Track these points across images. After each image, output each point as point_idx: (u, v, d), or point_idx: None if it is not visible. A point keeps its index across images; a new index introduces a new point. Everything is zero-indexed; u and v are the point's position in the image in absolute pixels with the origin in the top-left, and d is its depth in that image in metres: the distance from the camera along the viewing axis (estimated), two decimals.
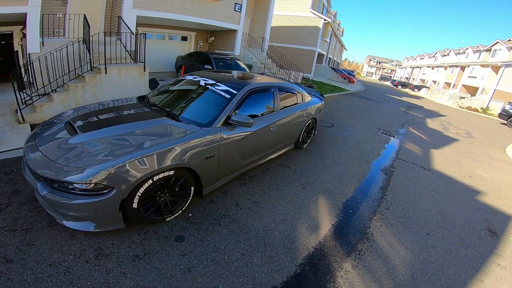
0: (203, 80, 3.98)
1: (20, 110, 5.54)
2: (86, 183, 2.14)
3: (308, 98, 5.28)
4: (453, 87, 34.11)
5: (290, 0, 20.60)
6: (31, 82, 6.69)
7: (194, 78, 4.16)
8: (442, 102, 26.91)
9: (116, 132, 2.75)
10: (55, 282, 2.05)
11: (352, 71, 42.88)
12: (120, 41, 8.80)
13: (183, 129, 2.93)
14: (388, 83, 55.37)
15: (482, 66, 27.55)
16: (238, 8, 11.53)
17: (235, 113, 3.36)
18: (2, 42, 10.46)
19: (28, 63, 6.50)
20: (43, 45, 7.34)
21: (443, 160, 6.59)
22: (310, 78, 20.86)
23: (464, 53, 35.64)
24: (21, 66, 6.90)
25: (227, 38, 12.53)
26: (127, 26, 8.21)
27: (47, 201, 2.28)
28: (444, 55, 42.01)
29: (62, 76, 6.53)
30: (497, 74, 24.40)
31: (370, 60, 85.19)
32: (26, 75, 7.07)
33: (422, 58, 52.58)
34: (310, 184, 4.21)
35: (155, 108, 3.56)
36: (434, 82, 41.98)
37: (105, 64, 6.79)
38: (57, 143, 2.61)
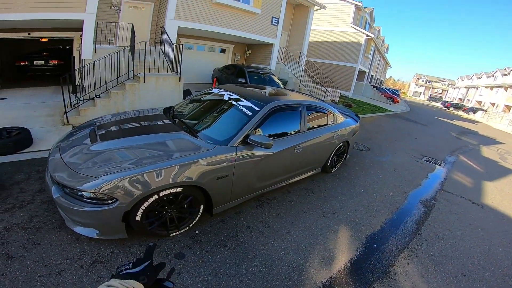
0: (228, 94, 3.88)
1: (66, 112, 5.99)
2: (91, 192, 2.17)
3: (340, 119, 4.89)
4: None
5: (330, 15, 20.23)
6: (83, 86, 7.28)
7: (220, 91, 4.08)
8: (501, 127, 23.93)
9: (130, 143, 2.77)
10: (44, 282, 2.08)
11: (397, 90, 40.49)
12: (162, 51, 9.27)
13: (198, 145, 2.82)
14: (438, 104, 51.27)
15: None
16: (275, 22, 11.57)
17: (255, 132, 3.17)
18: (66, 47, 11.76)
19: (81, 68, 7.03)
20: (95, 51, 7.90)
21: (497, 194, 5.68)
22: (349, 97, 20.06)
23: None
24: (75, 71, 7.48)
25: (264, 52, 12.60)
26: (168, 36, 8.61)
27: (58, 204, 2.36)
28: (505, 74, 37.62)
29: (111, 81, 6.97)
30: None
31: (418, 78, 79.98)
32: (80, 80, 7.68)
33: (480, 78, 47.93)
34: (333, 212, 3.82)
35: (177, 121, 3.54)
36: (492, 104, 37.80)
37: (144, 73, 7.14)
38: (77, 149, 2.70)
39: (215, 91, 4.18)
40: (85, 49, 7.55)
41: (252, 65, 13.43)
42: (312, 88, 12.17)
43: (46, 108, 6.74)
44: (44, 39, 10.83)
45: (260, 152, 3.15)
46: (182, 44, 7.84)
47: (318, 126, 4.33)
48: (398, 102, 26.20)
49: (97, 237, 2.39)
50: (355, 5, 19.24)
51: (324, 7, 13.40)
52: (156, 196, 2.39)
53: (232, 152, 2.87)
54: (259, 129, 3.23)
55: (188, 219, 2.81)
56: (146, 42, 9.16)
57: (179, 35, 11.72)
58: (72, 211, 2.26)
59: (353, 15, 19.36)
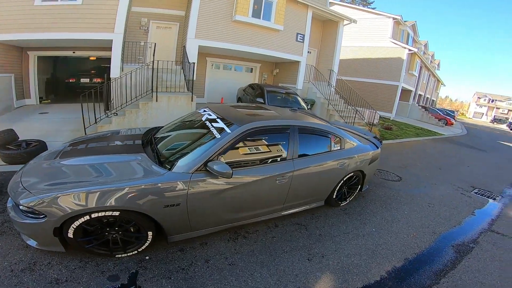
0: (208, 114, 3.48)
1: (85, 128, 6.20)
2: (25, 206, 2.24)
3: (351, 144, 4.04)
4: None
5: (366, 30, 19.14)
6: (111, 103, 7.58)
7: (203, 111, 3.72)
8: None
9: (82, 162, 2.76)
10: None
11: (453, 111, 36.43)
12: (183, 70, 9.40)
13: (148, 170, 2.62)
14: (504, 126, 44.67)
15: None
16: (300, 39, 11.10)
17: (219, 158, 2.71)
18: (105, 66, 12.76)
19: (107, 85, 7.29)
20: (122, 70, 8.22)
21: None
22: (391, 118, 18.30)
23: None
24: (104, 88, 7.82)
25: (291, 70, 12.13)
26: (186, 55, 8.67)
27: (9, 213, 2.46)
28: None
29: (136, 98, 7.16)
30: None
31: (479, 97, 71.39)
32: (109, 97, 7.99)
33: None
34: (322, 255, 3.05)
35: (146, 142, 3.33)
36: None
37: (156, 92, 7.14)
38: (37, 164, 2.81)
39: (200, 110, 3.82)
40: (113, 67, 7.91)
41: (276, 84, 13.07)
42: (343, 109, 11.14)
43: (75, 124, 7.13)
44: (92, 58, 11.91)
45: (223, 181, 2.67)
46: (194, 63, 7.76)
47: (317, 153, 3.60)
48: (452, 124, 23.24)
49: (37, 247, 2.47)
50: (393, 18, 17.97)
51: (355, 21, 12.59)
52: (87, 217, 2.31)
53: (184, 179, 2.53)
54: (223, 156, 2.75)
55: (136, 243, 2.63)
56: (168, 61, 9.40)
57: (206, 55, 11.96)
58: (15, 221, 2.37)
59: (392, 29, 18.03)
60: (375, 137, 4.97)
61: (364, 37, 19.28)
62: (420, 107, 22.98)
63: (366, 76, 19.50)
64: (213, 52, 11.47)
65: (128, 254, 2.63)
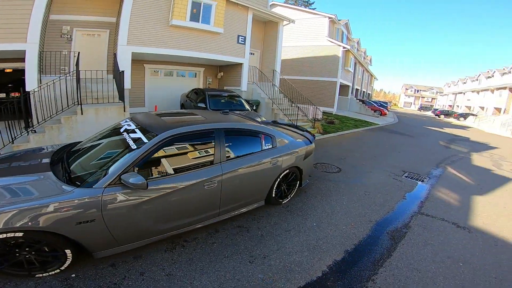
0: (127, 125, 3.24)
1: None
2: None
3: (283, 141, 4.09)
4: (504, 112, 29.88)
5: (305, 30, 20.16)
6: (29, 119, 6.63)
7: (125, 122, 3.46)
8: (494, 131, 23.29)
9: None
10: None
11: (386, 103, 40.49)
12: (115, 79, 8.69)
13: (52, 188, 2.42)
14: (429, 113, 51.20)
15: None
16: (241, 40, 11.13)
17: (134, 169, 2.53)
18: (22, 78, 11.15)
19: (20, 100, 6.32)
20: (40, 82, 7.32)
21: (490, 211, 4.80)
22: (333, 113, 19.50)
23: (510, 72, 31.42)
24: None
25: (235, 73, 12.09)
26: (117, 63, 8.03)
27: None
28: (489, 77, 37.67)
29: (57, 113, 6.43)
30: None
31: (407, 89, 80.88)
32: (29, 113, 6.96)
33: (465, 83, 48.22)
34: (264, 256, 3.02)
35: (60, 159, 3.01)
36: (482, 108, 37.58)
37: (80, 104, 6.43)
38: None
39: (122, 122, 3.54)
40: (28, 79, 7.04)
41: (221, 88, 12.94)
42: (287, 107, 11.48)
43: None
44: (8, 70, 10.29)
45: (142, 193, 2.53)
46: (123, 71, 7.19)
47: (247, 154, 3.56)
48: (386, 114, 25.75)
49: None
50: (329, 17, 19.23)
51: (293, 21, 13.09)
52: None
53: (95, 195, 2.37)
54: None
55: (56, 262, 2.43)
56: (98, 70, 8.62)
57: (144, 61, 11.28)
58: None
59: (328, 28, 19.26)
60: (308, 132, 5.10)
61: (305, 37, 20.25)
62: (358, 100, 25.01)
63: (309, 74, 20.49)
64: (151, 58, 10.85)
65: (50, 273, 2.45)
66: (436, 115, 41.83)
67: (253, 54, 13.58)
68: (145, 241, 2.81)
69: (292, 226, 3.66)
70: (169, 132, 2.83)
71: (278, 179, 3.99)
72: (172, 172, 2.84)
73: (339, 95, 20.68)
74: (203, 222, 3.24)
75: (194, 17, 9.61)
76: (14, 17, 6.78)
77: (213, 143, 3.19)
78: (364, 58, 34.92)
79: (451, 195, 5.50)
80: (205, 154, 3.17)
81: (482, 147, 13.35)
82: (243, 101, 9.11)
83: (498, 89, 32.69)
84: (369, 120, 19.31)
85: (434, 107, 59.77)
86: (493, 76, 36.47)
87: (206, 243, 3.16)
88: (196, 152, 3.14)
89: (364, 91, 33.94)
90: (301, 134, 4.87)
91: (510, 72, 31.67)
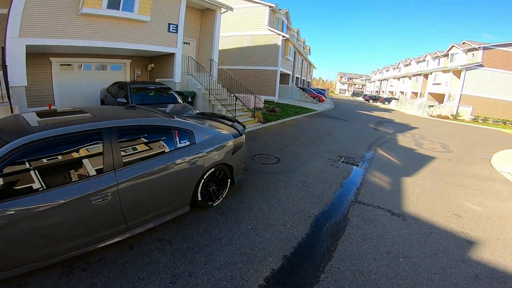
0: None
1: None
2: None
3: (204, 136, 3.57)
4: (420, 96, 34.38)
5: (246, 19, 19.78)
6: None
7: None
8: (412, 112, 26.57)
9: None
10: None
11: (324, 90, 42.98)
12: (4, 76, 7.09)
13: None
14: (360, 98, 56.17)
15: (444, 72, 27.68)
16: (173, 29, 10.12)
17: None
18: None
19: None
20: None
21: (420, 193, 5.04)
22: (275, 101, 19.67)
23: (424, 60, 36.18)
24: None
25: (167, 64, 11.03)
26: (5, 58, 6.48)
27: None
28: (407, 65, 43.01)
29: None
30: (459, 78, 24.46)
31: (341, 77, 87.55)
32: None
33: (388, 70, 54.06)
34: (191, 273, 2.56)
35: None
36: (402, 93, 42.62)
37: None
38: None
39: None
40: None
41: (153, 80, 11.75)
42: (225, 97, 10.95)
43: None
44: None
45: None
46: (6, 66, 5.81)
47: (155, 155, 3.00)
48: (323, 101, 27.20)
49: None
50: (269, 6, 19.09)
51: (231, 9, 12.48)
52: None
53: None
54: None
55: None
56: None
57: (49, 55, 9.45)
58: None
59: (268, 17, 19.13)
60: (238, 122, 4.70)
61: (246, 26, 19.79)
62: (298, 88, 25.83)
63: (250, 63, 20.21)
64: (59, 51, 9.11)
65: None
66: (366, 100, 46.11)
67: (189, 43, 12.60)
68: (28, 268, 2.22)
69: (224, 233, 3.23)
70: (27, 138, 2.16)
71: (203, 180, 3.51)
72: (41, 188, 2.21)
73: (280, 83, 20.94)
74: (105, 241, 2.64)
75: (113, 4, 8.34)
76: None
77: (102, 147, 2.58)
78: (303, 47, 36.20)
79: (384, 178, 5.74)
80: (90, 162, 2.54)
81: (405, 127, 14.90)
82: (174, 93, 8.28)
83: (414, 75, 37.33)
84: (309, 106, 20.04)
85: (364, 93, 65.85)
86: (410, 64, 41.54)
87: (116, 263, 2.60)
88: (75, 160, 2.49)
89: (304, 79, 35.31)
90: (230, 125, 4.42)
91: (424, 60, 36.45)
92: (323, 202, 4.27)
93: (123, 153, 2.72)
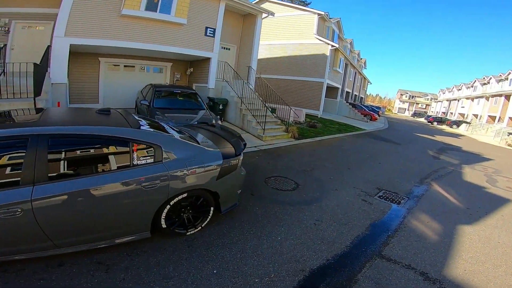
0: None
1: None
2: None
3: (173, 154, 2.83)
4: (498, 120, 29.05)
5: (293, 27, 19.02)
6: None
7: None
8: (487, 140, 22.32)
9: None
10: None
11: (378, 108, 39.62)
12: (49, 72, 7.61)
13: None
14: (422, 119, 50.47)
15: None
16: (210, 33, 9.90)
17: None
18: None
19: None
20: None
21: (479, 250, 3.57)
22: (319, 116, 18.32)
23: (507, 79, 30.33)
24: None
25: (203, 68, 10.88)
26: (48, 56, 6.91)
27: None
28: (484, 84, 36.87)
29: None
30: None
31: (402, 94, 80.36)
32: None
33: (460, 89, 47.53)
34: None
35: None
36: (476, 116, 36.76)
37: None
38: None
39: None
40: None
41: (190, 85, 11.70)
42: (259, 107, 10.21)
43: None
44: None
45: None
46: (37, 64, 6.12)
47: (99, 171, 2.46)
48: (376, 119, 24.74)
49: None
50: (318, 14, 18.05)
51: (272, 14, 11.92)
52: None
53: None
54: None
55: None
56: (27, 63, 7.47)
57: (98, 55, 10.01)
58: None
59: (316, 25, 18.09)
60: (239, 139, 3.85)
61: (291, 35, 19.10)
62: (348, 103, 23.91)
63: (294, 74, 19.31)
64: (106, 51, 9.60)
65: None
66: (429, 121, 41.01)
67: (229, 49, 12.37)
68: None
69: (178, 272, 2.47)
70: None
71: (168, 206, 2.81)
72: None
73: (326, 97, 19.55)
74: (24, 253, 2.30)
75: (151, 6, 8.47)
76: None
77: (24, 156, 2.19)
78: (357, 60, 33.99)
79: (431, 224, 4.29)
80: (5, 172, 2.22)
81: (475, 158, 12.23)
82: (200, 99, 7.88)
83: (493, 96, 31.87)
84: (357, 125, 18.18)
85: (428, 113, 59.13)
86: (489, 82, 35.67)
87: (32, 278, 2.24)
88: None
89: (356, 95, 32.92)
90: (229, 141, 3.61)
91: (506, 79, 30.81)
92: (331, 252, 3.14)
93: (51, 166, 2.26)
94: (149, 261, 2.58)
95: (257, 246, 3.04)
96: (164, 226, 2.86)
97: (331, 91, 21.49)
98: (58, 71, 7.73)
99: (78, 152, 2.51)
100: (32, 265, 2.34)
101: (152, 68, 11.56)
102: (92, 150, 2.57)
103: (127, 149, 2.59)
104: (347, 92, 27.28)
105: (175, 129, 3.70)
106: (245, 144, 3.69)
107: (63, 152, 2.43)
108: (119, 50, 9.23)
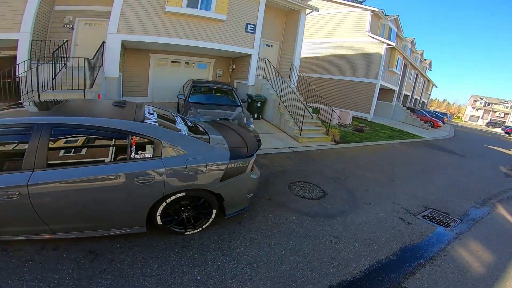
0: None
1: None
2: None
3: (177, 150, 2.69)
4: None
5: (340, 24, 17.75)
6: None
7: None
8: None
9: None
10: None
11: (444, 114, 35.12)
12: (103, 66, 8.31)
13: None
14: (498, 130, 43.26)
15: None
16: (251, 29, 9.74)
17: None
18: None
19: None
20: (30, 68, 7.33)
21: None
22: (369, 119, 16.86)
23: None
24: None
25: (243, 65, 10.80)
26: (103, 51, 7.54)
27: None
28: None
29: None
30: None
31: (475, 101, 69.93)
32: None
33: None
34: None
35: None
36: None
37: (37, 90, 6.01)
38: None
39: None
40: (20, 65, 7.10)
41: (231, 81, 11.74)
42: (298, 107, 9.65)
43: None
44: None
45: None
46: (87, 58, 6.73)
47: (94, 162, 2.51)
48: (439, 126, 21.83)
49: None
50: (372, 11, 16.51)
51: (316, 9, 11.25)
52: None
53: None
54: None
55: None
56: (86, 58, 8.28)
57: (149, 51, 10.67)
58: None
59: (370, 22, 16.56)
60: (256, 139, 3.53)
61: (339, 32, 17.89)
62: (405, 108, 21.57)
63: (341, 73, 18.09)
64: (154, 47, 10.17)
65: None
66: (506, 133, 34.79)
67: (271, 46, 12.10)
68: None
69: (160, 272, 2.38)
70: None
71: (164, 203, 2.69)
72: None
73: (378, 99, 17.91)
74: (23, 235, 2.44)
75: (192, 3, 8.68)
76: (9, 10, 7.11)
77: (28, 143, 2.30)
78: (420, 61, 30.55)
79: (481, 255, 3.43)
80: (10, 157, 2.41)
81: None
82: (235, 96, 7.77)
83: None
84: (414, 132, 16.23)
85: (506, 123, 50.48)
86: None
87: (22, 259, 2.32)
88: None
89: (416, 98, 29.65)
90: (244, 141, 3.33)
91: None
92: (339, 277, 2.65)
93: (51, 154, 2.36)
94: (136, 255, 2.51)
95: (255, 257, 2.72)
96: (159, 223, 2.76)
97: (385, 93, 19.63)
98: (111, 65, 8.40)
99: (77, 142, 2.53)
100: (29, 247, 2.44)
101: (196, 64, 11.92)
102: (91, 141, 2.58)
103: (125, 141, 2.54)
104: (405, 95, 24.67)
105: (190, 124, 3.57)
106: (259, 146, 3.37)
107: (64, 142, 2.48)
108: (165, 46, 9.66)
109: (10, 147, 2.43)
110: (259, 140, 3.53)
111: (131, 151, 2.53)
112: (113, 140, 2.56)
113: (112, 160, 2.50)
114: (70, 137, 2.50)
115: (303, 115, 8.53)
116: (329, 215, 3.94)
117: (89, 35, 9.24)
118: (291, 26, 11.72)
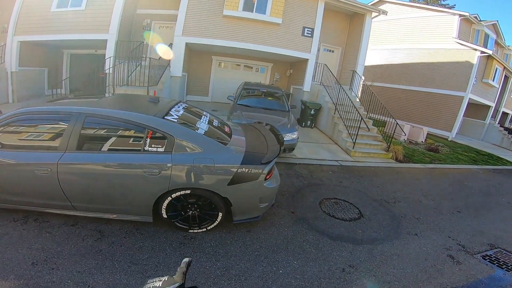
0: None
1: None
2: None
3: (190, 148, 2.76)
4: None
5: (420, 30, 15.47)
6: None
7: None
8: None
9: None
10: None
11: None
12: (169, 67, 9.22)
13: None
14: None
15: None
16: (308, 33, 9.41)
17: None
18: None
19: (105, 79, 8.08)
20: (114, 65, 8.49)
21: None
22: (450, 138, 14.39)
23: None
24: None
25: (300, 70, 10.53)
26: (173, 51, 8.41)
27: None
28: None
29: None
30: None
31: None
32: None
33: None
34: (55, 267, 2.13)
35: None
36: None
37: (112, 85, 6.98)
38: None
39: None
40: (107, 63, 8.27)
41: (288, 86, 11.59)
42: (356, 117, 8.72)
43: None
44: None
45: None
46: (147, 56, 7.54)
47: (114, 150, 2.80)
48: None
49: None
50: (460, 15, 14.00)
51: (384, 13, 10.12)
52: None
53: None
54: None
55: None
56: (160, 58, 9.26)
57: (212, 53, 11.41)
58: None
59: (458, 28, 14.09)
60: (279, 146, 3.30)
61: (419, 39, 15.71)
62: (503, 128, 17.69)
63: (415, 83, 15.84)
64: (215, 50, 10.83)
65: None
66: None
67: (332, 51, 11.52)
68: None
69: (147, 262, 2.54)
70: (29, 109, 2.85)
71: (170, 197, 2.77)
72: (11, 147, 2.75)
73: (466, 116, 15.18)
74: (51, 208, 2.87)
75: (248, 7, 8.96)
76: (100, 13, 8.43)
77: (65, 128, 2.71)
78: None
79: None
80: (53, 138, 2.81)
81: None
82: (285, 102, 7.59)
83: None
84: (509, 158, 13.15)
85: None
86: None
87: (43, 230, 2.70)
88: (44, 133, 2.88)
89: None
90: (267, 147, 3.19)
91: None
92: None
93: (82, 139, 2.71)
94: (135, 243, 2.67)
95: (247, 270, 2.53)
96: (164, 216, 2.86)
97: (476, 109, 16.46)
98: (176, 65, 9.24)
99: (102, 131, 2.88)
100: (55, 220, 2.84)
101: (254, 67, 12.20)
102: (113, 131, 2.87)
103: (142, 134, 2.75)
104: (504, 113, 20.24)
105: (217, 123, 3.59)
106: (277, 155, 3.13)
107: (92, 130, 2.85)
108: (224, 49, 10.17)
109: (53, 130, 2.87)
110: (281, 150, 3.31)
111: (145, 143, 2.71)
112: (132, 131, 2.81)
113: (129, 149, 2.76)
114: (97, 126, 2.83)
115: (359, 127, 7.77)
116: (355, 241, 3.42)
117: (163, 37, 10.29)
118: (355, 30, 10.92)
